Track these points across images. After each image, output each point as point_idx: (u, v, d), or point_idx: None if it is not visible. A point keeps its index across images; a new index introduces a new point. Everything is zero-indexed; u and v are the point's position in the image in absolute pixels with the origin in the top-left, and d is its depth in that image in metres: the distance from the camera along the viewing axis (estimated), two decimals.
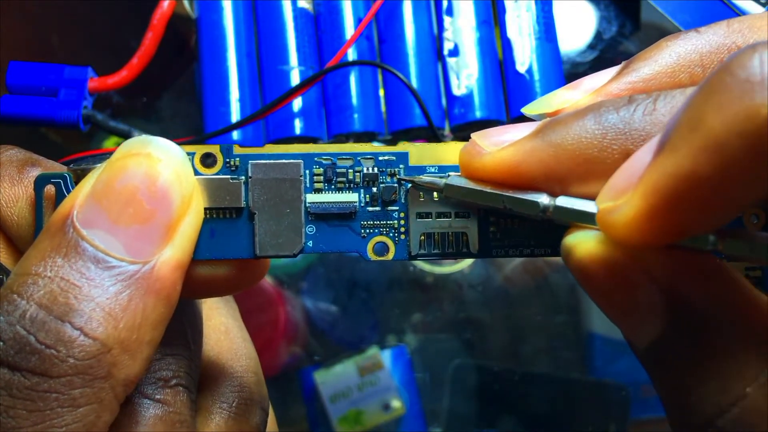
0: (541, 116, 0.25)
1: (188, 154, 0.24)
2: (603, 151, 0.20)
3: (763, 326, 0.18)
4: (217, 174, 0.24)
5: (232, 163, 0.25)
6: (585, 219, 0.21)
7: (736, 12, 0.49)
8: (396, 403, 0.57)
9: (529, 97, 0.51)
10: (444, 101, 0.52)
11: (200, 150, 0.24)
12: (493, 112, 0.51)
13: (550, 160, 0.21)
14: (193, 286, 0.25)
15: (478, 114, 0.51)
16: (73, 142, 0.54)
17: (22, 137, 0.56)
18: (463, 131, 0.53)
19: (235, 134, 0.50)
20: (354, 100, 0.51)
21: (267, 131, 0.51)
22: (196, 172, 0.24)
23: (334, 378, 0.57)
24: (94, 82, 0.48)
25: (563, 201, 0.21)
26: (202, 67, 0.51)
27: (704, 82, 0.17)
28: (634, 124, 0.20)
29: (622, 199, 0.18)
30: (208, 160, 0.24)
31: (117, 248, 0.21)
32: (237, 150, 0.25)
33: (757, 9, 0.48)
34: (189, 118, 0.56)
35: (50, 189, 0.24)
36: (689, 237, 0.19)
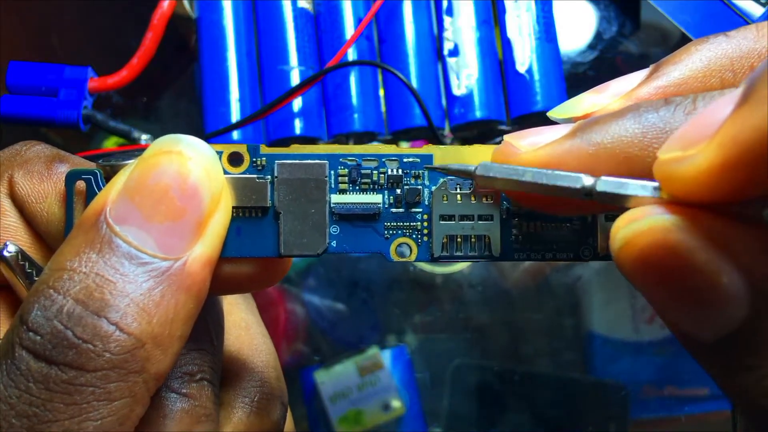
0: (568, 120, 0.24)
1: (216, 153, 0.24)
2: (644, 150, 0.20)
3: None
4: (243, 173, 0.25)
5: (258, 162, 0.25)
6: (637, 190, 0.19)
7: (736, 12, 0.49)
8: (396, 403, 0.57)
9: (529, 97, 0.51)
10: (444, 101, 0.52)
11: (227, 149, 0.25)
12: (493, 112, 0.51)
13: (590, 159, 0.20)
14: (217, 283, 0.26)
15: (478, 114, 0.51)
16: (73, 142, 0.54)
17: (22, 137, 0.56)
18: (463, 131, 0.53)
19: (235, 134, 0.50)
20: (354, 100, 0.51)
21: (267, 131, 0.51)
22: (224, 172, 0.25)
23: (334, 378, 0.57)
24: (94, 82, 0.48)
25: (609, 176, 0.20)
26: (202, 67, 0.51)
27: None
28: (675, 123, 0.19)
29: (693, 149, 0.17)
30: (235, 159, 0.25)
31: (150, 244, 0.22)
32: (264, 150, 0.25)
33: (758, 9, 0.48)
34: (189, 118, 0.56)
35: (81, 185, 0.25)
36: (755, 199, 0.18)
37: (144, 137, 0.49)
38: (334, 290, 0.59)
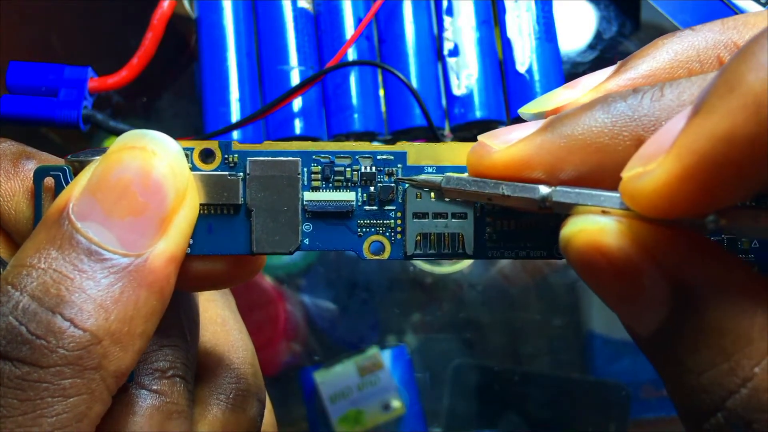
0: (540, 115, 0.25)
1: (187, 149, 0.24)
2: (614, 138, 0.20)
3: (766, 305, 0.18)
4: (215, 170, 0.25)
5: (230, 159, 0.25)
6: (589, 200, 0.20)
7: (736, 12, 0.49)
8: (396, 403, 0.57)
9: (529, 97, 0.51)
10: (444, 101, 0.52)
11: (199, 146, 0.25)
12: (493, 112, 0.51)
13: (561, 151, 0.21)
14: (189, 280, 0.25)
15: (478, 114, 0.51)
16: (73, 142, 0.54)
17: (22, 137, 0.55)
18: (463, 131, 0.53)
19: (235, 134, 0.50)
20: (354, 100, 0.51)
21: (267, 131, 0.51)
22: (195, 168, 0.24)
23: (334, 378, 0.57)
24: (94, 82, 0.48)
25: (564, 187, 0.21)
26: (202, 67, 0.51)
27: (742, 47, 0.16)
28: (643, 110, 0.20)
29: (653, 164, 0.18)
30: (206, 155, 0.25)
31: (111, 241, 0.22)
32: (235, 146, 0.25)
33: (757, 9, 0.48)
34: (189, 118, 0.56)
35: (49, 181, 0.25)
36: (714, 208, 0.18)
37: None
38: (333, 290, 0.59)
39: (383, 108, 0.52)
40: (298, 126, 0.50)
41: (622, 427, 0.58)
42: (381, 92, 0.52)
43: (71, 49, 0.56)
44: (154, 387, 0.26)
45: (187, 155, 0.24)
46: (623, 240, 0.19)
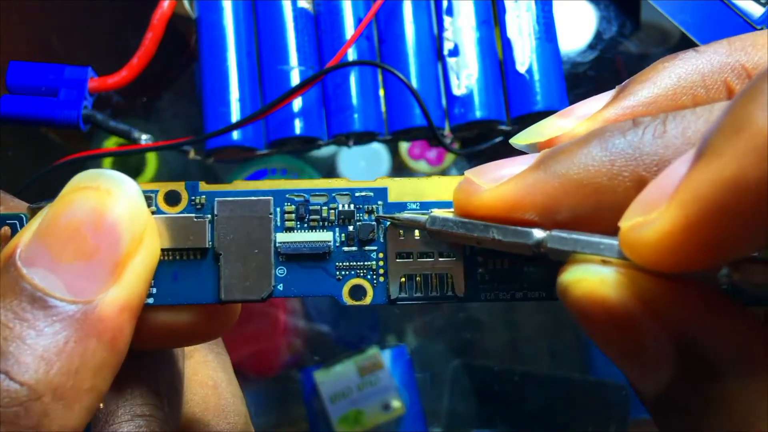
0: (532, 146, 0.23)
1: (151, 192, 0.23)
2: (613, 179, 0.18)
3: None
4: (181, 213, 0.23)
5: (197, 200, 0.23)
6: (587, 248, 0.18)
7: (736, 12, 0.49)
8: (396, 403, 0.57)
9: (529, 97, 0.51)
10: (444, 101, 0.52)
11: (164, 187, 0.23)
12: (493, 112, 0.51)
13: (556, 192, 0.19)
14: (153, 335, 0.24)
15: (478, 114, 0.51)
16: (73, 142, 0.54)
17: (22, 137, 0.56)
18: (463, 131, 0.53)
19: (235, 134, 0.50)
20: (354, 100, 0.51)
21: (267, 131, 0.51)
22: (159, 211, 0.23)
23: (334, 378, 0.57)
24: (94, 82, 0.48)
25: (560, 232, 0.19)
26: (202, 67, 0.51)
27: (748, 86, 0.15)
28: (644, 148, 0.18)
29: (654, 213, 0.16)
30: (171, 197, 0.23)
31: (58, 287, 0.20)
32: (203, 187, 0.23)
33: (757, 9, 0.48)
34: (189, 118, 0.56)
35: (6, 230, 0.23)
36: (724, 261, 0.17)
37: (144, 137, 0.48)
38: None
39: (383, 108, 0.52)
40: (298, 126, 0.50)
41: (622, 427, 0.58)
42: (381, 92, 0.52)
43: (71, 49, 0.56)
44: None
45: (150, 198, 0.23)
46: (624, 293, 0.17)
